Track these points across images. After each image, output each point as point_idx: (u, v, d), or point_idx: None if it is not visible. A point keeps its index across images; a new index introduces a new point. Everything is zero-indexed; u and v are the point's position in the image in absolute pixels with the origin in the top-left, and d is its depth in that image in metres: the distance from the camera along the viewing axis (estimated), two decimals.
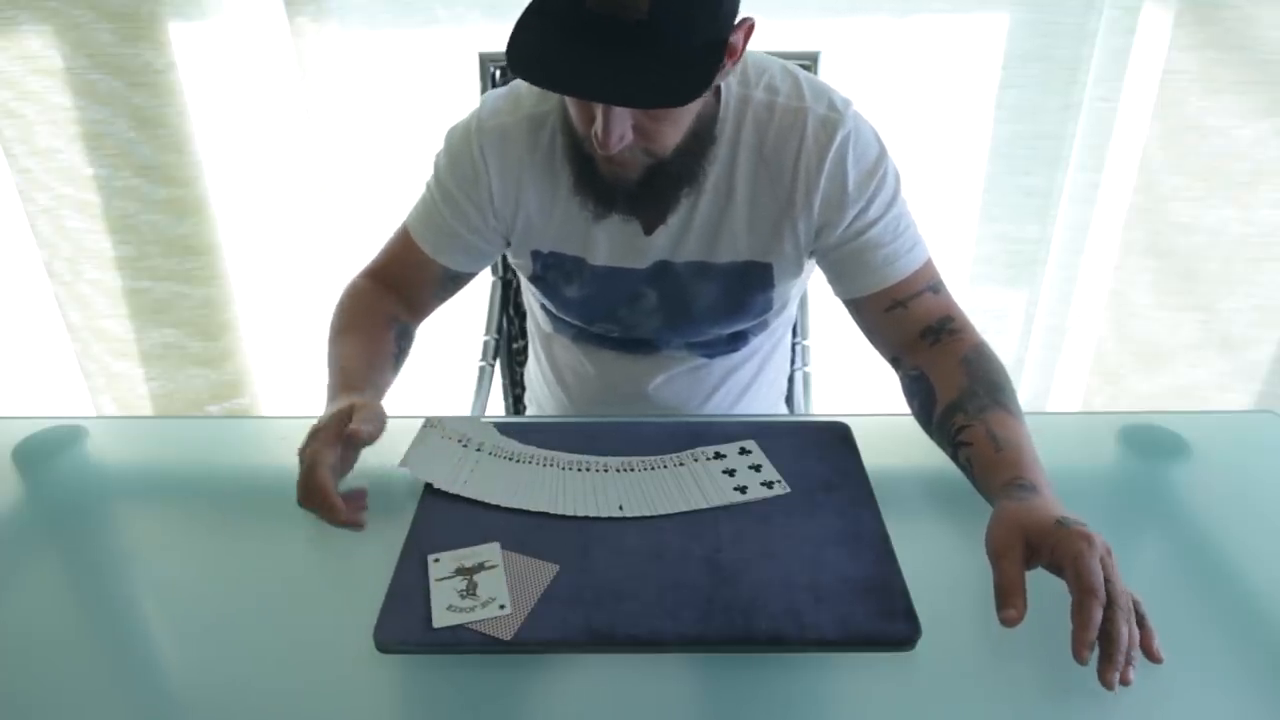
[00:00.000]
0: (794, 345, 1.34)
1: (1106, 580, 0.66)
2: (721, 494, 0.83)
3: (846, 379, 1.69)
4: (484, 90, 1.28)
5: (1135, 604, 0.67)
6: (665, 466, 0.87)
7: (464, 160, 0.97)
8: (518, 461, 0.88)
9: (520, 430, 0.93)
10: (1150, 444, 0.96)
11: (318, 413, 0.84)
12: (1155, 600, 0.75)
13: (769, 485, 0.84)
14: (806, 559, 0.76)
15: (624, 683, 0.67)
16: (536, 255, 1.01)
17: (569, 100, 0.86)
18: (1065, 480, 0.91)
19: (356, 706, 0.67)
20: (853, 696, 0.68)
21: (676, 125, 0.85)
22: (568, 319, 1.08)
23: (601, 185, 0.89)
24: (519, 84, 0.98)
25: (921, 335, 0.94)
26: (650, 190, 0.89)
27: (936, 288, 0.96)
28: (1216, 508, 0.86)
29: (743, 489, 0.84)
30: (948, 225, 1.85)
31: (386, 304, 1.02)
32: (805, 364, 1.37)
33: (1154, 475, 0.92)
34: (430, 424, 0.90)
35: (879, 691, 0.67)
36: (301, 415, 0.86)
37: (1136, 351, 1.91)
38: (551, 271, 1.02)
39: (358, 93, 1.75)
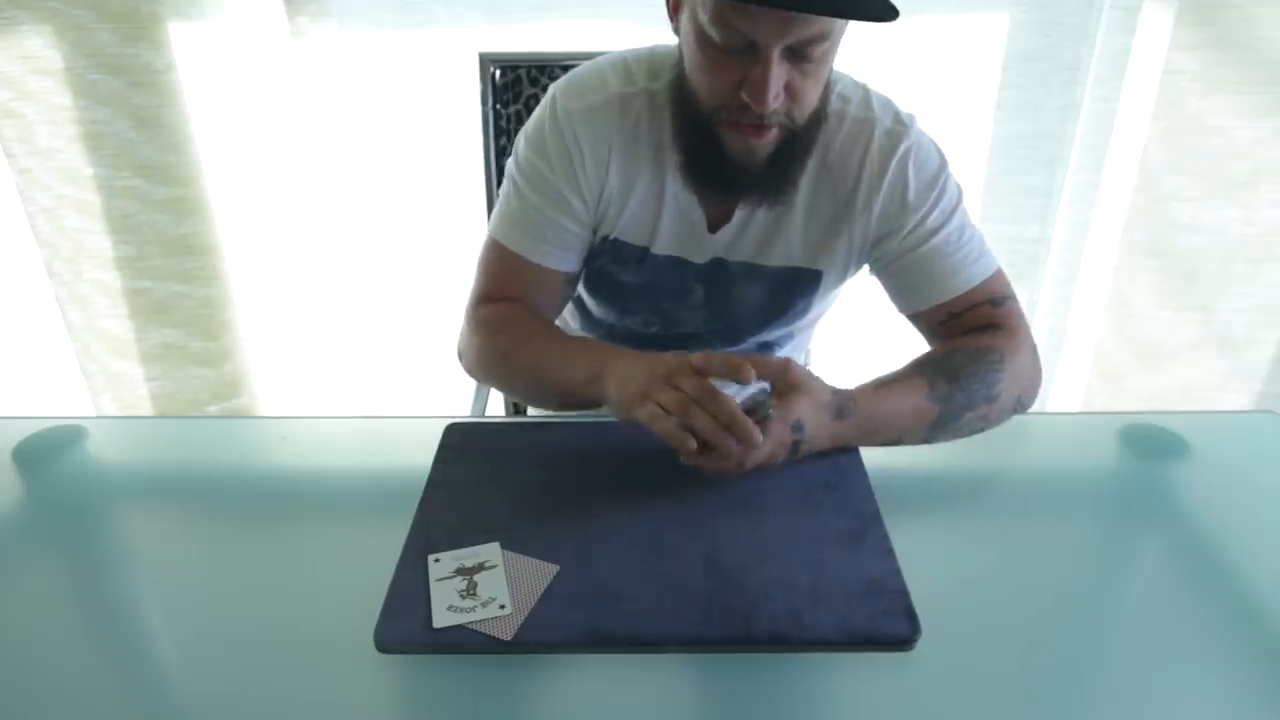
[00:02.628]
0: None
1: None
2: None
3: (846, 379, 1.69)
4: (484, 90, 1.28)
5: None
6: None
7: (558, 148, 0.94)
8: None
9: (524, 430, 0.93)
10: (1150, 444, 0.96)
11: (317, 412, 0.84)
12: (1155, 600, 0.76)
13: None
14: (806, 559, 0.76)
15: (624, 683, 0.67)
16: (604, 239, 0.99)
17: (709, 69, 0.82)
18: (1065, 480, 0.91)
19: (356, 706, 0.67)
20: (853, 696, 0.68)
21: (820, 84, 0.84)
22: (606, 314, 1.07)
23: (725, 171, 0.88)
24: (595, 67, 0.96)
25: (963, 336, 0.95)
26: (777, 168, 0.88)
27: (998, 301, 0.95)
28: (1216, 508, 0.86)
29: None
30: None
31: (531, 311, 0.99)
32: (805, 364, 1.37)
33: (1154, 475, 0.92)
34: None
35: (879, 691, 0.67)
36: (301, 415, 0.86)
37: (1136, 351, 1.91)
38: (605, 257, 1.00)
39: (358, 93, 1.75)
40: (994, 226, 1.87)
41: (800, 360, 1.24)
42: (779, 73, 0.79)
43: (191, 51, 1.68)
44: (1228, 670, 0.68)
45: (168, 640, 0.73)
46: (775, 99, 0.80)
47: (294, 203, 1.83)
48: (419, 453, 0.90)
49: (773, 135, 0.85)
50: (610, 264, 1.00)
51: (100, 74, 1.65)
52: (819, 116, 0.88)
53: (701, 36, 0.81)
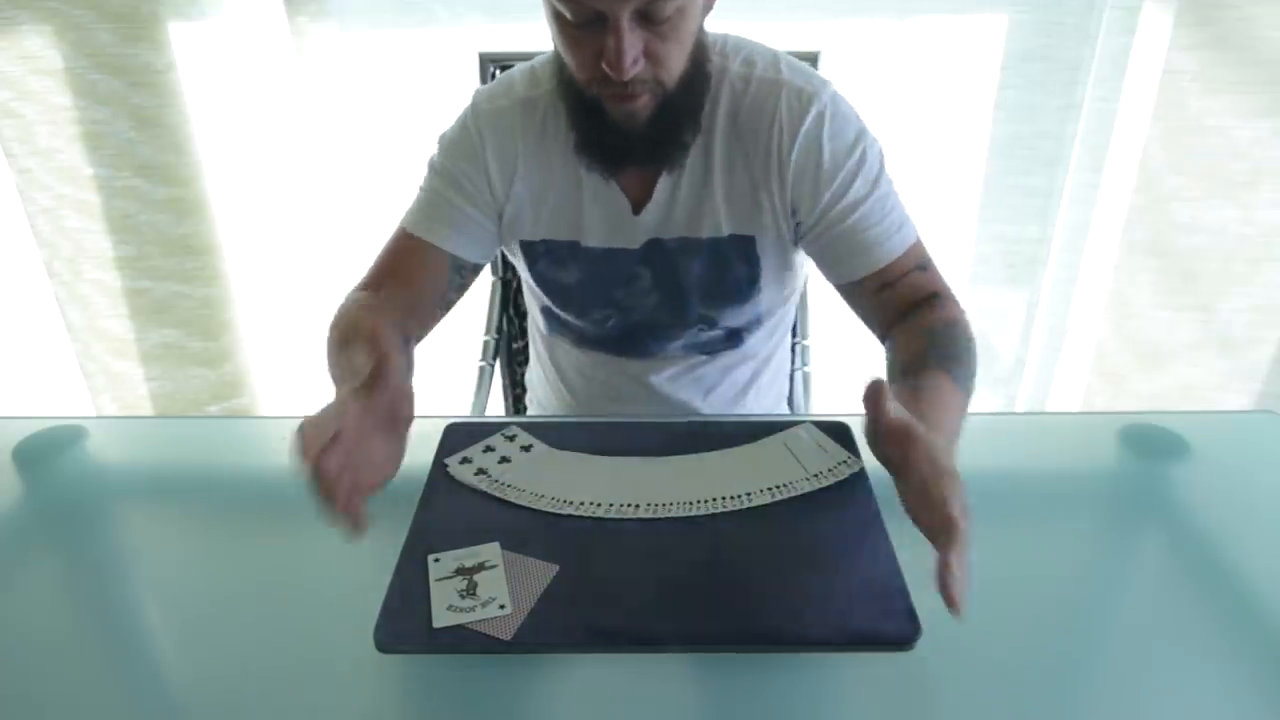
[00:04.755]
0: (794, 345, 1.34)
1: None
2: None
3: (846, 379, 1.69)
4: None
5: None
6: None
7: (463, 141, 0.98)
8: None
9: (524, 430, 0.93)
10: (1150, 444, 0.96)
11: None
12: (1155, 600, 0.76)
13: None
14: (806, 559, 0.76)
15: (624, 683, 0.67)
16: (528, 246, 1.01)
17: (570, 46, 0.85)
18: (1065, 480, 0.91)
19: (356, 706, 0.67)
20: (853, 696, 0.68)
21: (682, 45, 0.85)
22: (568, 315, 1.08)
23: (611, 139, 0.90)
24: (509, 74, 1.00)
25: (904, 312, 0.94)
26: (661, 131, 0.89)
27: (925, 265, 0.96)
28: (1216, 508, 0.86)
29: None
30: (947, 225, 1.85)
31: (389, 313, 0.94)
32: (805, 364, 1.37)
33: (1154, 475, 0.92)
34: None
35: (879, 691, 0.67)
36: (301, 415, 0.86)
37: (1136, 351, 1.91)
38: (543, 260, 1.02)
39: (358, 93, 1.75)
40: (994, 227, 1.87)
41: (792, 356, 1.24)
42: (632, 40, 0.80)
43: (191, 51, 1.68)
44: (1228, 670, 0.68)
45: (168, 640, 0.73)
46: (634, 65, 0.81)
47: (294, 203, 1.83)
48: (419, 453, 0.90)
49: (645, 101, 0.86)
50: (549, 267, 1.02)
51: (100, 74, 1.65)
52: (699, 77, 0.89)
53: (556, 15, 0.83)
